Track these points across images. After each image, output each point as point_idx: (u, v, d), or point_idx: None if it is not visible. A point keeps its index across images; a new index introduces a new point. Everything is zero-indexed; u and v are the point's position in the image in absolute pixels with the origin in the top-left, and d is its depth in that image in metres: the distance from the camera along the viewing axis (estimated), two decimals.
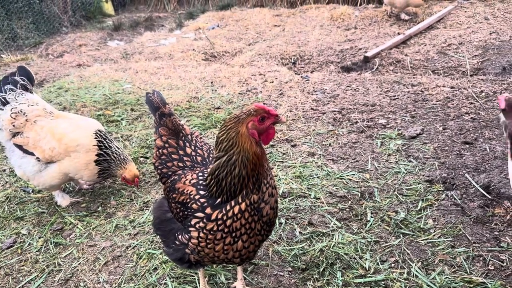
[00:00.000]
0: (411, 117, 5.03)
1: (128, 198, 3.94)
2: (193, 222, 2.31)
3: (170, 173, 2.63)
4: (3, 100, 3.65)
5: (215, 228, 2.24)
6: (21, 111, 3.63)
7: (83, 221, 3.67)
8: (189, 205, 2.35)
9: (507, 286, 2.70)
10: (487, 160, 3.99)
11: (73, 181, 4.14)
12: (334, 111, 5.33)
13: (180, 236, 2.39)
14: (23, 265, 3.25)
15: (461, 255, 2.98)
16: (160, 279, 2.97)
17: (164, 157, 2.67)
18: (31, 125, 3.66)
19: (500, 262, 2.87)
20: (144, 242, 3.34)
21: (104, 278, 3.05)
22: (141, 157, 4.64)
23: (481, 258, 2.93)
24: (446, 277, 2.81)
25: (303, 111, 5.40)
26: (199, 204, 2.31)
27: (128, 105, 5.99)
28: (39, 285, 3.05)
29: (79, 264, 3.21)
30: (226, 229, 2.23)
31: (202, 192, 2.33)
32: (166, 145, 2.68)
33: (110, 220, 3.65)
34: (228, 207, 2.21)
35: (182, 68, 7.66)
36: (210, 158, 2.61)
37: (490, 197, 3.49)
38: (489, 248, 3.01)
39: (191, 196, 2.35)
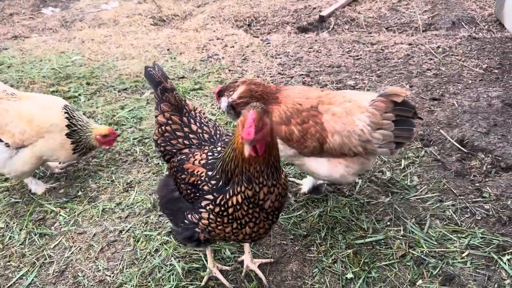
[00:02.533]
0: (377, 76, 5.15)
1: (108, 180, 3.76)
2: (203, 203, 2.26)
3: (174, 150, 2.53)
4: None
5: (221, 213, 2.22)
6: None
7: (65, 208, 3.47)
8: (200, 186, 2.29)
9: (495, 233, 2.93)
10: (457, 115, 4.20)
11: (44, 165, 3.87)
12: (302, 74, 5.32)
13: (190, 216, 2.34)
14: (9, 261, 3.04)
15: (449, 208, 3.17)
16: (164, 260, 2.91)
17: (168, 134, 2.56)
18: None
19: (486, 211, 3.09)
20: (137, 225, 3.24)
21: (103, 265, 2.93)
22: None
23: (468, 210, 3.14)
24: (440, 230, 2.99)
25: (271, 76, 5.34)
26: (210, 186, 2.25)
27: (82, 79, 5.61)
28: (32, 280, 2.88)
29: (71, 253, 3.06)
30: (230, 216, 2.22)
31: (210, 173, 2.27)
32: (170, 121, 2.56)
33: (94, 205, 3.48)
34: (227, 196, 2.18)
35: (132, 35, 7.25)
36: (218, 136, 2.52)
37: (466, 150, 3.71)
38: (474, 200, 3.22)
39: (202, 178, 2.29)
